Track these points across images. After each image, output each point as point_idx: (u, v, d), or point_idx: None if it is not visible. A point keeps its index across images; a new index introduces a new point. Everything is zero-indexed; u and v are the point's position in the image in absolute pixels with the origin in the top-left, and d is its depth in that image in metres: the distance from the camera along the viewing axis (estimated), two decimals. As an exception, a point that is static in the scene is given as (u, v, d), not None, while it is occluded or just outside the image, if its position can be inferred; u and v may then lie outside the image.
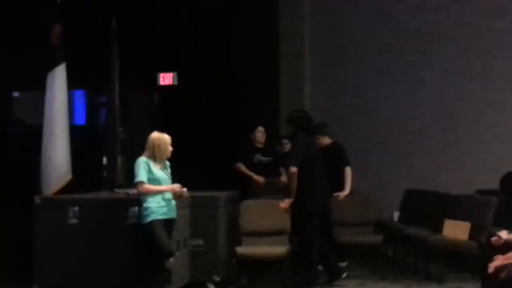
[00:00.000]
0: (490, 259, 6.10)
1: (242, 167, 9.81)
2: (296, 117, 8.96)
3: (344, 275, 8.78)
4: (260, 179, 9.75)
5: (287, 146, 9.47)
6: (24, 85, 11.24)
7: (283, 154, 9.85)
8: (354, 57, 12.02)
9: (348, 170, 9.55)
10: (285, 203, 8.53)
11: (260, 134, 10.00)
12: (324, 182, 8.80)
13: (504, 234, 6.30)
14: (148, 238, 7.23)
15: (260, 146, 10.02)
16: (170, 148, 7.44)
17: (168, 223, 7.34)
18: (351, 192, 9.68)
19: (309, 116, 9.05)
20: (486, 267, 6.06)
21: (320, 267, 8.76)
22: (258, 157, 9.93)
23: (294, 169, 8.48)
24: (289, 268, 8.32)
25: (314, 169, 8.65)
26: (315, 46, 12.17)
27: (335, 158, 9.47)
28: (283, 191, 9.27)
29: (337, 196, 9.40)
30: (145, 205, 7.27)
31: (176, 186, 7.38)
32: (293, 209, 8.55)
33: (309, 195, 8.52)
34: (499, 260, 5.97)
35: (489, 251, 6.35)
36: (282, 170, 9.89)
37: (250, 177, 9.75)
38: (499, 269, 5.90)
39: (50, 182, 8.47)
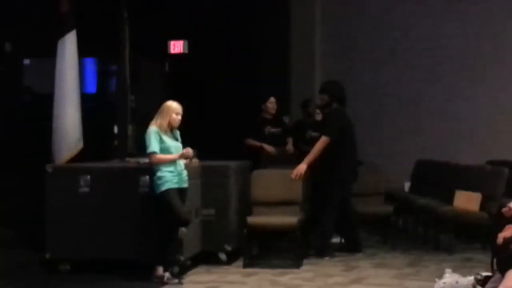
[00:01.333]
0: (501, 230, 6.08)
1: (251, 141, 9.92)
2: (330, 87, 9.00)
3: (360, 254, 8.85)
4: (270, 148, 9.87)
5: (318, 115, 9.43)
6: (35, 53, 11.21)
7: (314, 122, 9.92)
8: (365, 30, 11.96)
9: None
10: (299, 169, 8.49)
11: (271, 105, 10.07)
12: (354, 153, 8.90)
13: (514, 205, 6.26)
14: (161, 207, 7.27)
15: (270, 117, 10.09)
16: (178, 117, 7.41)
17: (180, 193, 7.36)
18: (358, 163, 9.59)
19: (343, 87, 9.04)
20: (496, 238, 6.03)
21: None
22: (269, 129, 10.02)
23: (327, 139, 8.58)
24: (300, 238, 8.32)
25: (346, 141, 8.74)
26: (327, 17, 12.12)
27: None
28: (291, 161, 9.40)
29: None
30: (158, 174, 7.28)
31: (187, 150, 7.34)
32: (322, 177, 8.64)
33: (345, 165, 8.66)
34: (509, 231, 5.94)
35: (500, 222, 6.31)
36: (289, 139, 10.09)
37: (261, 148, 9.87)
38: (509, 240, 5.88)
39: (61, 151, 8.49)
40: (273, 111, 10.09)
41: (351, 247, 8.90)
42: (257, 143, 9.89)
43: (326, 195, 8.67)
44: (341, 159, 8.66)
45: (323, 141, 8.60)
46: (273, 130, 10.04)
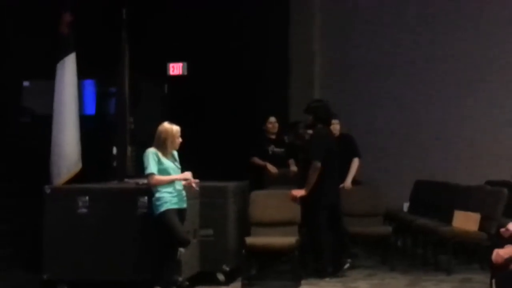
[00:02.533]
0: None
1: (256, 160, 9.90)
2: (315, 107, 8.97)
3: (347, 266, 8.79)
4: (274, 169, 9.83)
5: (307, 136, 9.41)
6: (34, 75, 11.26)
7: (301, 144, 9.87)
8: (365, 46, 11.99)
9: (356, 161, 9.48)
10: (297, 192, 8.54)
11: (271, 125, 10.05)
12: (336, 173, 8.89)
13: (512, 226, 6.28)
14: (160, 228, 7.28)
15: (273, 137, 10.07)
16: (179, 140, 7.45)
17: (179, 213, 7.37)
18: (356, 183, 9.70)
19: (328, 107, 9.03)
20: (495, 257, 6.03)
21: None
22: (272, 148, 10.01)
23: (318, 164, 8.54)
24: (298, 259, 8.31)
25: (331, 161, 8.71)
26: (326, 35, 12.17)
27: (345, 149, 9.40)
28: (295, 181, 9.38)
29: (342, 187, 9.30)
30: (157, 195, 7.30)
31: (187, 174, 7.40)
32: (306, 200, 8.57)
33: (324, 188, 8.60)
34: (508, 250, 5.94)
35: (498, 242, 6.32)
36: (291, 161, 10.01)
37: (264, 168, 9.83)
38: (508, 261, 5.88)
39: (60, 172, 8.51)
40: (274, 131, 10.06)
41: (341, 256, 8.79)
42: (262, 162, 9.86)
43: (314, 216, 8.63)
44: (325, 180, 8.60)
45: (315, 167, 8.54)
46: (276, 149, 10.02)
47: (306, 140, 9.39)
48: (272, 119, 10.08)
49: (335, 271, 8.67)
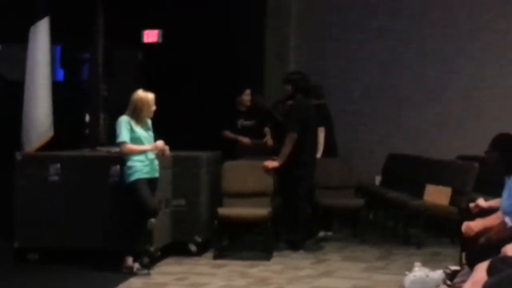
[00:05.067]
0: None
1: (227, 133, 9.92)
2: (294, 78, 8.97)
3: (321, 234, 8.89)
4: (246, 140, 9.85)
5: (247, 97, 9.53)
6: (6, 39, 11.10)
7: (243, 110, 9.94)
8: (342, 19, 11.96)
9: (323, 131, 9.48)
10: (270, 164, 8.54)
11: (247, 97, 10.03)
12: (315, 145, 8.96)
13: (482, 202, 6.33)
14: (131, 197, 7.24)
15: (243, 109, 10.04)
16: (154, 107, 7.40)
17: (151, 182, 7.35)
18: (333, 155, 9.73)
19: (307, 78, 9.05)
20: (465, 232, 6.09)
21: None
22: (241, 122, 10.00)
23: (295, 135, 8.55)
24: (271, 230, 8.31)
25: (309, 133, 8.74)
26: (301, 7, 12.11)
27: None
28: (268, 153, 9.41)
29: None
30: (129, 164, 7.27)
31: (159, 143, 7.37)
32: (286, 171, 8.57)
33: (303, 159, 8.61)
34: (478, 223, 5.99)
35: (468, 217, 6.37)
36: (267, 130, 10.01)
37: (235, 140, 9.85)
38: (478, 235, 5.94)
39: (31, 139, 8.37)
40: (248, 103, 10.03)
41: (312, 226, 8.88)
42: (233, 136, 9.87)
43: (293, 188, 8.64)
44: (305, 151, 8.62)
45: (291, 137, 8.55)
46: (246, 123, 10.00)
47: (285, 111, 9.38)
48: (248, 91, 10.05)
49: (306, 240, 8.71)
